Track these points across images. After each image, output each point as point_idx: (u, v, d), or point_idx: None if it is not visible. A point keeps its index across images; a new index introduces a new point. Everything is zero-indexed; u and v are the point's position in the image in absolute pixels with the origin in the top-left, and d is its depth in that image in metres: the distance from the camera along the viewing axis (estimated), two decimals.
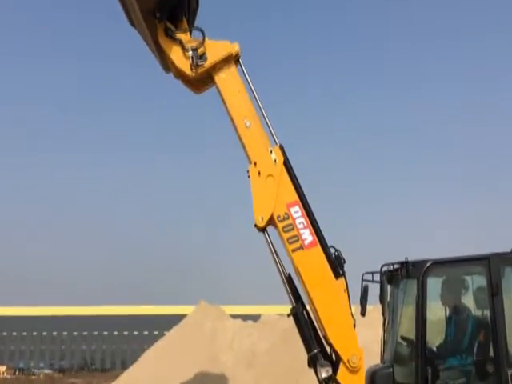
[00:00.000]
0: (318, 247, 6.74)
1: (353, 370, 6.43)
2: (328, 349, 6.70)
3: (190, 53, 6.94)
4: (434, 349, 6.58)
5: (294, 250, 6.71)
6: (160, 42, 7.13)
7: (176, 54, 7.04)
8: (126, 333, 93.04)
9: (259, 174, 6.89)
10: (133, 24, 7.37)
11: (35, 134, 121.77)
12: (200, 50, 6.95)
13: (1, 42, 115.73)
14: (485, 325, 6.42)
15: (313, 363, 6.60)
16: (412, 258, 6.68)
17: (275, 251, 6.96)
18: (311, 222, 6.83)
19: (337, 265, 6.81)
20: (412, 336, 6.45)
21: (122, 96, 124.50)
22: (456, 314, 6.77)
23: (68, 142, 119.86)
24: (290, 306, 6.88)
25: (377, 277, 7.00)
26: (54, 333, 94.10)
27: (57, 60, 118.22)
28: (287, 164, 6.98)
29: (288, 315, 6.93)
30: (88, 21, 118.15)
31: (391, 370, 6.60)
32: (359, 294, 7.09)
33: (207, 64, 6.98)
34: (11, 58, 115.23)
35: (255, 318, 18.97)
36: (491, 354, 6.25)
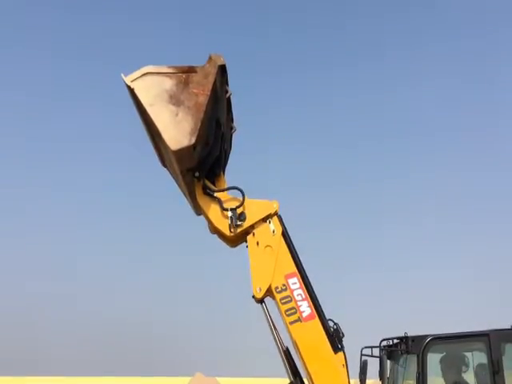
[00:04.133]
0: (317, 320, 6.68)
1: None
2: None
3: (230, 213, 6.86)
4: None
5: (291, 323, 6.63)
6: (198, 200, 7.06)
7: (214, 214, 6.95)
8: None
9: (258, 244, 6.90)
10: (164, 165, 7.38)
11: None
12: (239, 210, 6.91)
13: None
14: None
15: None
16: (411, 331, 6.67)
17: (273, 323, 6.90)
18: (309, 294, 6.79)
19: (335, 339, 6.73)
20: None
21: None
22: None
23: None
24: (288, 381, 6.78)
25: (376, 351, 6.94)
26: None
27: None
28: (285, 234, 7.00)
29: None
30: None
31: None
32: (358, 369, 7.01)
33: (246, 224, 6.90)
34: None
35: None
36: None
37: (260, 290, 6.75)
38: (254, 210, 6.97)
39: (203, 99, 6.61)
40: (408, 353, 6.60)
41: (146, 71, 6.66)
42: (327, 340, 6.63)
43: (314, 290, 6.90)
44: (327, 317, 6.83)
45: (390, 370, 7.05)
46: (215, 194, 6.95)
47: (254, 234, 6.92)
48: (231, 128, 7.56)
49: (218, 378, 19.93)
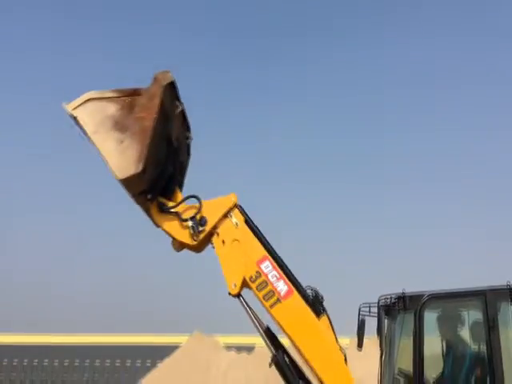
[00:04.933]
0: (295, 294, 6.72)
1: None
2: None
3: (190, 223, 6.77)
4: (431, 382, 6.60)
5: (272, 306, 6.65)
6: (155, 219, 6.93)
7: (175, 229, 6.87)
8: (118, 363, 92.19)
9: (223, 242, 6.84)
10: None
11: None
12: (198, 216, 6.81)
13: None
14: (481, 359, 6.45)
15: None
16: (409, 289, 6.74)
17: (252, 312, 6.93)
18: (283, 271, 6.82)
19: (316, 304, 6.81)
20: (409, 369, 6.48)
21: None
22: (453, 348, 6.81)
23: None
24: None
25: (374, 309, 7.02)
26: (45, 362, 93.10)
27: None
28: (248, 222, 6.96)
29: (270, 365, 6.86)
30: None
31: None
32: (356, 326, 7.09)
33: (208, 227, 6.83)
34: None
35: (249, 348, 18.89)
36: None
37: (235, 285, 6.74)
38: (212, 210, 6.89)
39: (149, 123, 6.40)
40: (405, 310, 6.66)
41: (87, 97, 6.48)
42: (309, 309, 6.71)
43: (287, 263, 6.93)
44: (303, 283, 6.90)
45: (388, 328, 7.15)
46: (172, 210, 6.85)
47: (218, 234, 6.87)
48: (187, 138, 7.44)
49: (218, 336, 20.17)
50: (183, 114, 7.16)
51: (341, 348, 6.74)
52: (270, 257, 6.81)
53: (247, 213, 7.02)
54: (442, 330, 6.90)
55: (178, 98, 6.97)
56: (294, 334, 6.61)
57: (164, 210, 6.84)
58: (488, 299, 6.39)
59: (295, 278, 6.87)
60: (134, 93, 6.67)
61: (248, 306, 6.88)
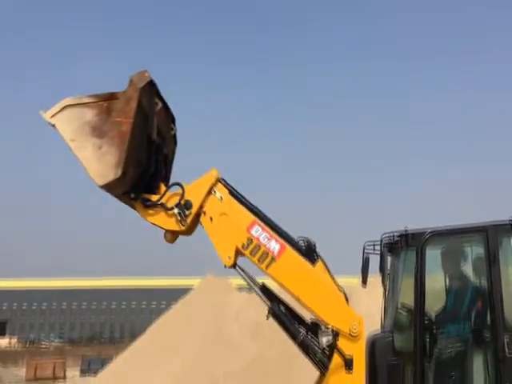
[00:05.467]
0: (288, 249, 6.80)
1: (354, 338, 6.58)
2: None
3: (176, 210, 6.80)
4: (433, 317, 6.71)
5: (267, 267, 6.73)
6: (142, 215, 6.96)
7: (162, 220, 6.91)
8: (134, 305, 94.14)
9: (211, 219, 6.87)
10: None
11: None
12: (183, 201, 6.82)
13: None
14: (482, 293, 6.54)
15: (304, 349, 6.75)
16: (413, 227, 6.78)
17: (248, 276, 7.03)
18: (272, 229, 6.90)
19: (310, 253, 6.91)
20: (411, 304, 6.57)
21: None
22: (455, 283, 6.90)
23: None
24: None
25: (378, 247, 7.10)
26: (64, 305, 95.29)
27: None
28: (233, 193, 7.00)
29: (267, 317, 7.00)
30: None
31: (391, 337, 6.74)
32: (361, 264, 7.19)
33: (194, 209, 6.85)
34: None
35: None
36: (488, 321, 6.40)
37: (229, 258, 6.80)
38: (195, 191, 6.90)
39: (127, 127, 6.38)
40: (408, 247, 6.73)
41: (64, 104, 6.42)
42: (303, 259, 6.80)
43: (275, 221, 7.03)
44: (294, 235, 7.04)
45: (391, 265, 7.21)
46: (157, 203, 6.86)
47: (204, 213, 6.89)
48: (171, 129, 7.45)
49: (230, 278, 20.43)
50: (166, 107, 7.18)
51: (339, 288, 6.86)
52: (258, 220, 6.88)
53: (231, 184, 7.04)
54: (444, 266, 6.96)
55: (158, 95, 6.98)
56: (294, 287, 6.71)
57: (149, 205, 6.87)
58: (490, 234, 6.44)
59: (286, 233, 6.97)
60: (111, 97, 6.64)
61: (244, 271, 6.98)
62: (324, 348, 6.59)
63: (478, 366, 6.41)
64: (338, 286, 6.90)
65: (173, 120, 7.58)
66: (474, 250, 6.81)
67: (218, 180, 6.97)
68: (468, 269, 6.84)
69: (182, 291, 21.82)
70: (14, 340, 70.12)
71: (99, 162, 6.37)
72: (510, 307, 6.38)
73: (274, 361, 12.56)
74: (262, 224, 6.89)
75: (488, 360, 6.33)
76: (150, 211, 6.89)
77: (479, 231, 6.56)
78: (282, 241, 6.84)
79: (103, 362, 28.34)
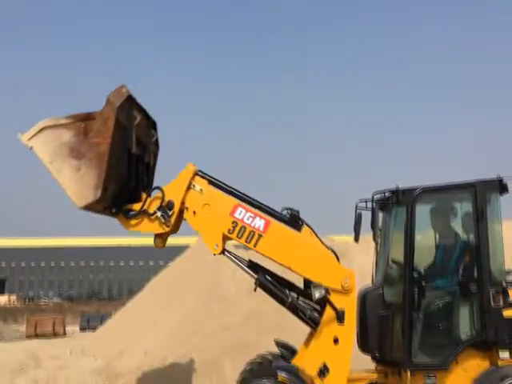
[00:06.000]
0: (272, 222, 6.92)
1: (346, 292, 6.78)
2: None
3: (158, 213, 6.87)
4: (422, 271, 6.92)
5: (255, 244, 6.85)
6: (126, 227, 7.02)
7: (147, 226, 6.98)
8: (131, 263, 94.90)
9: (195, 213, 6.94)
10: None
11: None
12: (164, 203, 6.89)
13: None
14: (470, 248, 6.76)
15: (294, 312, 6.98)
16: (404, 185, 6.94)
17: (237, 258, 7.18)
18: (255, 206, 7.03)
19: (294, 221, 7.08)
20: (401, 260, 6.77)
21: None
22: (444, 239, 7.09)
23: None
24: None
25: (370, 204, 7.26)
26: (62, 263, 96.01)
27: None
28: (212, 181, 7.09)
29: (255, 289, 7.23)
30: None
31: (381, 290, 6.98)
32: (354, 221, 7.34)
33: (176, 208, 6.91)
34: None
35: None
36: (475, 275, 6.62)
37: (217, 245, 6.89)
38: (175, 190, 6.95)
39: (105, 148, 6.36)
40: (399, 204, 6.89)
41: (41, 126, 6.37)
42: (289, 229, 6.96)
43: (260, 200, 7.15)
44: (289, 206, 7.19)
45: (382, 221, 7.41)
46: (139, 212, 6.93)
47: (187, 209, 6.96)
48: (152, 136, 7.48)
49: None
50: (145, 115, 7.22)
51: (328, 248, 7.04)
52: (240, 202, 6.98)
53: (208, 174, 7.12)
54: (434, 222, 7.14)
55: (137, 107, 6.99)
56: (283, 258, 6.83)
57: (131, 216, 6.94)
58: (478, 191, 6.62)
59: (269, 208, 7.10)
60: (88, 117, 6.60)
61: (232, 254, 7.13)
62: (314, 307, 6.79)
63: (464, 317, 6.66)
64: (326, 246, 7.06)
65: (154, 126, 7.62)
66: (463, 207, 6.98)
67: (196, 173, 7.04)
68: (457, 225, 7.02)
69: (179, 249, 22.00)
70: (14, 297, 70.84)
71: (78, 184, 6.36)
72: (496, 262, 6.61)
73: (270, 315, 12.81)
74: (245, 205, 7.00)
75: (474, 311, 6.58)
76: (133, 222, 6.96)
77: (468, 188, 6.72)
78: (265, 216, 6.98)
79: (102, 319, 28.77)
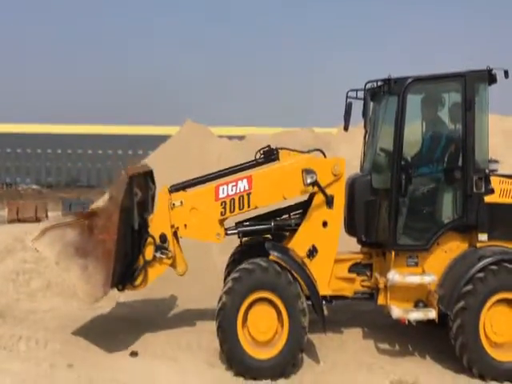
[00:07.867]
0: (253, 174, 7.13)
1: (336, 177, 7.06)
2: None
3: (158, 254, 7.02)
4: (409, 159, 7.16)
5: (249, 204, 7.06)
6: (138, 289, 7.19)
7: (152, 273, 7.12)
8: (110, 152, 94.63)
9: (186, 226, 7.07)
10: None
11: None
12: (158, 243, 7.05)
13: None
14: (457, 137, 6.98)
15: (281, 230, 7.55)
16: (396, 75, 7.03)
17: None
18: (232, 173, 7.32)
19: (270, 155, 7.45)
20: (390, 148, 6.98)
21: None
22: (432, 128, 7.29)
23: None
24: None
25: (361, 94, 7.34)
26: (39, 150, 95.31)
27: None
28: (185, 187, 7.30)
29: (240, 243, 7.91)
30: None
31: (369, 177, 7.25)
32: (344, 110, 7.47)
33: (170, 236, 7.06)
34: None
35: (240, 138, 19.42)
36: (460, 162, 6.90)
37: (219, 234, 7.11)
38: (160, 222, 7.07)
39: (111, 245, 6.35)
40: (390, 94, 7.00)
41: (45, 227, 6.32)
42: (269, 166, 7.33)
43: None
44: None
45: (373, 111, 7.55)
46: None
47: (178, 229, 7.08)
48: (150, 189, 7.58)
49: (210, 127, 20.55)
50: (144, 173, 7.39)
51: (312, 151, 7.47)
52: (219, 182, 7.16)
53: (179, 183, 7.28)
54: (424, 112, 7.33)
55: (137, 180, 7.02)
56: (276, 195, 7.10)
57: (136, 278, 7.10)
58: (467, 81, 6.76)
59: (242, 164, 7.43)
60: (92, 214, 6.68)
61: (231, 229, 7.42)
62: (307, 185, 7.05)
63: (447, 202, 6.99)
64: (309, 151, 7.42)
65: (151, 176, 7.70)
66: (452, 97, 7.14)
67: (170, 192, 7.18)
68: (445, 114, 7.21)
69: (160, 139, 21.90)
70: None
71: (87, 282, 6.40)
72: (480, 151, 6.86)
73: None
74: (223, 180, 7.21)
75: (457, 196, 6.92)
76: (137, 282, 7.12)
77: (458, 78, 6.85)
78: (244, 174, 7.20)
79: (84, 205, 29.08)
